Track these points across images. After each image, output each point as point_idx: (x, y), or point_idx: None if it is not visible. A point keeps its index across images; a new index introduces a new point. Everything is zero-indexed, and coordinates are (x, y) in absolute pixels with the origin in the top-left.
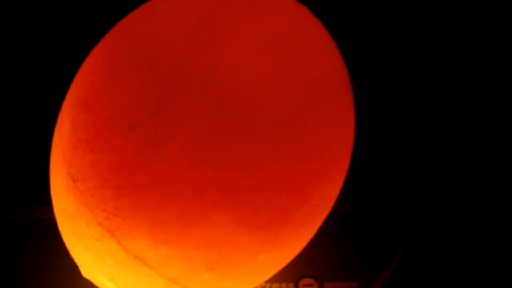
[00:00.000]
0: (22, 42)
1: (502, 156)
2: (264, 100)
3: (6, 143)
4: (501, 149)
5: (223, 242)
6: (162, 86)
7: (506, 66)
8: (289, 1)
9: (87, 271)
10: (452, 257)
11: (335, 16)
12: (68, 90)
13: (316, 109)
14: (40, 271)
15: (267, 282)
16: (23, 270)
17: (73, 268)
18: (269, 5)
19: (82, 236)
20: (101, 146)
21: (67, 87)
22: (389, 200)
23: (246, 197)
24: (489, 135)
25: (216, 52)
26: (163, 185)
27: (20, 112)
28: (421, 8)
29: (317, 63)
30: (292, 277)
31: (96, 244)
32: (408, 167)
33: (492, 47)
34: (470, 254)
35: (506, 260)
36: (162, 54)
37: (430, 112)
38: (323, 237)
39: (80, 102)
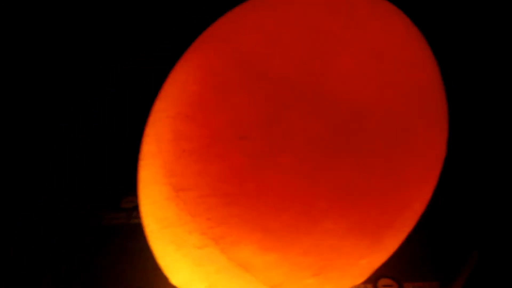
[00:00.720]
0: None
1: None
2: (373, 109)
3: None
4: None
5: (331, 248)
6: (272, 96)
7: None
8: (388, 8)
9: (179, 279)
10: None
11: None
12: (158, 98)
13: (417, 117)
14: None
15: None
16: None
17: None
18: (371, 12)
19: (182, 245)
20: (208, 156)
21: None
22: (467, 199)
23: (355, 204)
24: None
25: (325, 61)
26: (275, 194)
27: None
28: None
29: (418, 71)
30: (370, 278)
31: (197, 252)
32: (491, 168)
33: None
34: None
35: None
36: (270, 64)
37: None
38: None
39: (182, 113)
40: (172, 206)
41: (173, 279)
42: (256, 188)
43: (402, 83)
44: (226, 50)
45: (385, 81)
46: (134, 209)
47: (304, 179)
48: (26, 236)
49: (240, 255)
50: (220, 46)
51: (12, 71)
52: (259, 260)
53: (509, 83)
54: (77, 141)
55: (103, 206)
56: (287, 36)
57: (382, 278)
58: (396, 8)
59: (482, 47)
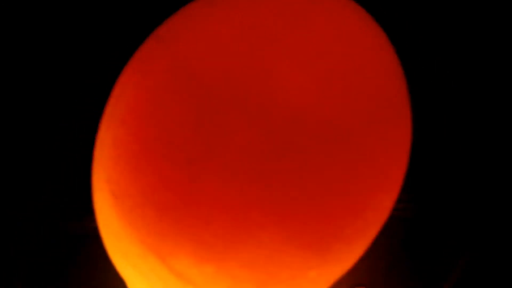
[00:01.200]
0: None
1: None
2: (312, 112)
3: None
4: None
5: (271, 261)
6: (206, 101)
7: None
8: (347, 5)
9: (133, 286)
10: None
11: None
12: (107, 103)
13: (370, 117)
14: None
15: None
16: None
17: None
18: (324, 9)
19: (127, 253)
20: (141, 164)
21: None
22: (448, 206)
23: (293, 214)
24: None
25: (265, 64)
26: (205, 203)
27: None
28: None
29: (374, 68)
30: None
31: (140, 262)
32: (469, 171)
33: None
34: None
35: None
36: (206, 67)
37: (491, 114)
38: (378, 244)
39: (120, 118)
40: (113, 214)
41: (128, 285)
42: (186, 197)
43: (352, 83)
44: (163, 52)
45: (330, 81)
46: None
47: (236, 187)
48: (25, 236)
49: (178, 266)
50: (158, 48)
51: (12, 71)
52: (197, 272)
53: (475, 78)
54: (77, 141)
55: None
56: (228, 37)
57: (356, 287)
58: (356, 5)
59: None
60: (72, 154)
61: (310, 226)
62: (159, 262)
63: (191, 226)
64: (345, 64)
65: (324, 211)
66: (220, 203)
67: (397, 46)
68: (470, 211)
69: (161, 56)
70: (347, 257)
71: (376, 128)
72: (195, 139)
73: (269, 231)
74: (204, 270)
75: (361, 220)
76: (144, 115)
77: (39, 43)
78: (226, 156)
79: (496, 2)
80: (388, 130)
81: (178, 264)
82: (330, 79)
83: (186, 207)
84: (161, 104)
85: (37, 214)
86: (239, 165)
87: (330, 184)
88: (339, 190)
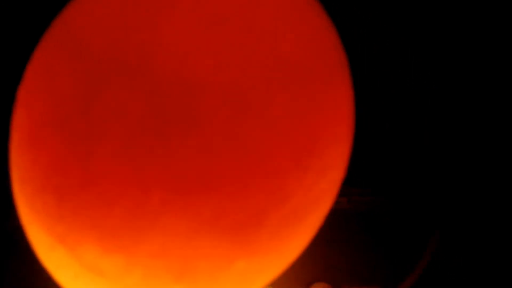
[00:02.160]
0: None
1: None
2: (216, 79)
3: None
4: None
5: (182, 248)
6: (93, 74)
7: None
8: None
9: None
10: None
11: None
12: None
13: (289, 83)
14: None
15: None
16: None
17: None
18: None
19: (39, 244)
20: (38, 144)
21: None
22: (411, 197)
23: (201, 194)
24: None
25: (155, 32)
26: (102, 185)
27: None
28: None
29: (296, 34)
30: (302, 282)
31: (52, 254)
32: (427, 161)
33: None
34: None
35: None
36: (91, 39)
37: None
38: (339, 237)
39: (18, 99)
40: (22, 200)
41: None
42: (82, 179)
43: (259, 50)
44: (59, 31)
45: (230, 48)
46: None
47: (131, 166)
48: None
49: (87, 257)
50: (55, 26)
51: (11, 71)
52: (107, 263)
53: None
54: None
55: None
56: (115, 7)
57: (315, 282)
58: None
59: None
60: None
61: (223, 210)
62: (68, 253)
63: (92, 211)
64: (249, 31)
65: (238, 193)
66: (119, 185)
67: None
68: (431, 197)
69: (56, 34)
70: (279, 247)
71: (300, 91)
72: (88, 116)
73: (174, 216)
74: (114, 260)
75: (290, 204)
76: (36, 94)
77: None
78: (120, 132)
79: None
80: (315, 95)
81: (87, 254)
82: (230, 46)
83: (84, 190)
84: (53, 78)
85: None
86: (135, 142)
87: (245, 160)
88: (255, 167)
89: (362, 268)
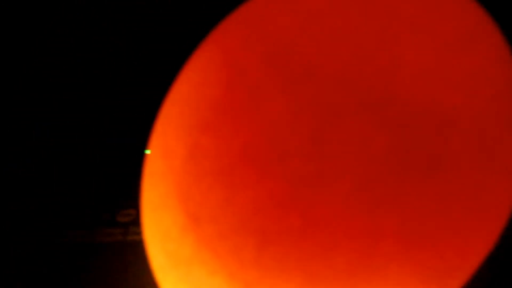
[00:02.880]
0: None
1: None
2: (460, 117)
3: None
4: None
5: None
6: (318, 101)
7: None
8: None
9: None
10: None
11: None
12: (167, 101)
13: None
14: None
15: None
16: None
17: None
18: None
19: (198, 286)
20: (238, 180)
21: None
22: None
23: (428, 246)
24: None
25: (390, 54)
26: (325, 231)
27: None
28: None
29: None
30: None
31: None
32: None
33: None
34: None
35: None
36: (310, 57)
37: None
38: None
39: (201, 122)
40: (189, 239)
41: None
42: (300, 223)
43: (485, 82)
44: (252, 40)
45: (468, 80)
46: (132, 224)
47: (364, 211)
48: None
49: None
50: (244, 35)
51: (11, 71)
52: None
53: None
54: (75, 145)
55: (96, 220)
56: (331, 17)
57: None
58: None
59: None
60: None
61: (441, 260)
62: None
63: (303, 257)
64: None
65: (458, 243)
66: (343, 231)
67: None
68: None
69: (250, 45)
70: None
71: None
72: (308, 150)
73: (399, 266)
74: None
75: (475, 258)
76: (240, 119)
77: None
78: (350, 171)
79: None
80: None
81: None
82: (467, 77)
83: (297, 235)
84: (261, 105)
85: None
86: (367, 183)
87: (469, 212)
88: (476, 219)
89: None
